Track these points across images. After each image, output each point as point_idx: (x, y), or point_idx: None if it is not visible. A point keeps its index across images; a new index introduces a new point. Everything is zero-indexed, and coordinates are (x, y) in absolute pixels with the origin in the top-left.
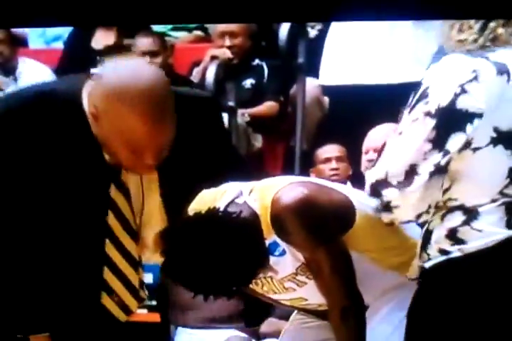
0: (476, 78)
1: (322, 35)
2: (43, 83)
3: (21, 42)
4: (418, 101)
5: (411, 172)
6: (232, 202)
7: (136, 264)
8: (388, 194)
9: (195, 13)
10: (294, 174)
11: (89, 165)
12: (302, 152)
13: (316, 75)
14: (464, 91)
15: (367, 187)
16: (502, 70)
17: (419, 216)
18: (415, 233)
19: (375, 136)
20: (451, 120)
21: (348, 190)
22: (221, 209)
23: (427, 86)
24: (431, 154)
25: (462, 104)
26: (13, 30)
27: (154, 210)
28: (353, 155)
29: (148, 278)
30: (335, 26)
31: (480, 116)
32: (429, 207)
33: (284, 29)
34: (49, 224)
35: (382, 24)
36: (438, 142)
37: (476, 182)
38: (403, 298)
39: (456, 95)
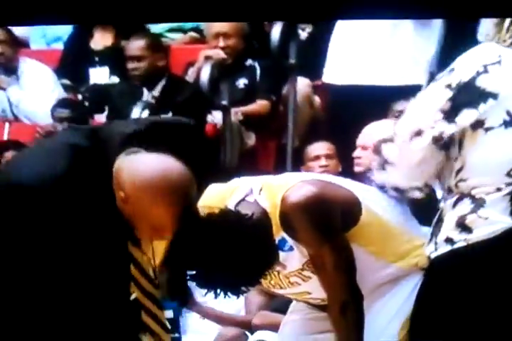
0: (499, 62)
1: (312, 37)
2: (80, 139)
3: (22, 43)
4: (443, 75)
5: (415, 134)
6: (243, 200)
7: (159, 303)
8: (388, 150)
9: (198, 12)
10: (286, 170)
11: (110, 224)
12: (294, 149)
13: (306, 75)
14: (485, 71)
15: (372, 145)
16: None
17: (410, 189)
18: (417, 229)
19: (365, 133)
20: (467, 95)
21: (354, 185)
22: (233, 209)
23: (456, 64)
24: (439, 123)
25: (481, 82)
26: (15, 31)
27: (162, 247)
28: (342, 152)
29: (169, 313)
30: (339, 28)
31: (495, 96)
32: (426, 185)
33: (276, 30)
34: (86, 281)
35: (384, 28)
36: (449, 114)
37: (485, 161)
38: (397, 291)
39: (478, 73)
